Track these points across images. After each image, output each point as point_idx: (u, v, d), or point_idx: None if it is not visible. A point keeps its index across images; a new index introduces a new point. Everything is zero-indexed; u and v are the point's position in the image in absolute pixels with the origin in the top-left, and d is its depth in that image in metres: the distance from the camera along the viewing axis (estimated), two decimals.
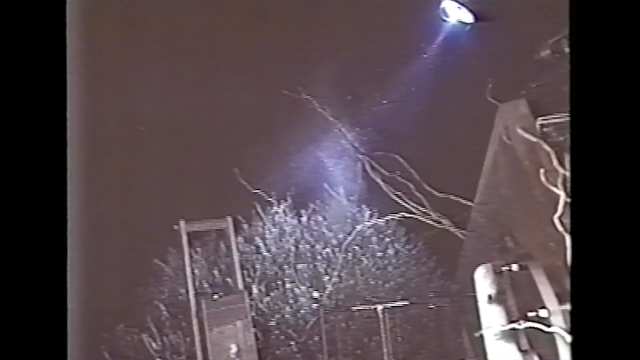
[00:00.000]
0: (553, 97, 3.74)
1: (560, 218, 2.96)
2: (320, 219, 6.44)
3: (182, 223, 5.97)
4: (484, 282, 3.53)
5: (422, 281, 6.13)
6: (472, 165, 4.52)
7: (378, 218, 6.13)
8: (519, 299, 3.35)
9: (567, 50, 3.59)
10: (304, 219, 6.42)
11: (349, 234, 6.19)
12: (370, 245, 6.22)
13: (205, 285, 6.04)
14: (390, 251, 6.20)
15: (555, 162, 3.13)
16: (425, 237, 6.03)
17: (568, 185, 3.05)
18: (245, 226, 6.39)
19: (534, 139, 3.30)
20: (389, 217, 5.80)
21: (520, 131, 3.38)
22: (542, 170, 3.15)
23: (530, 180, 3.25)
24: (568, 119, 3.39)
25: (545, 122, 3.46)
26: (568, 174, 3.05)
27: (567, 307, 2.83)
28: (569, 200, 2.96)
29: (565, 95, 3.57)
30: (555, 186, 3.04)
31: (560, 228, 2.93)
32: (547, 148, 3.23)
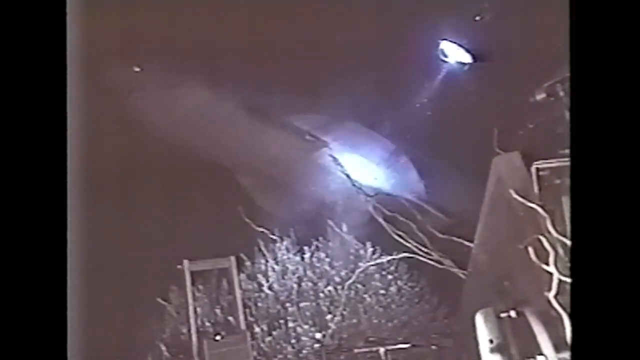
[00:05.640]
0: (549, 138, 3.77)
1: (556, 297, 2.95)
2: (322, 255, 6.44)
3: (185, 262, 5.99)
4: (484, 326, 3.50)
5: (425, 319, 6.08)
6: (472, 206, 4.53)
7: (380, 255, 6.12)
8: (519, 345, 3.32)
9: (561, 94, 3.63)
10: (306, 255, 6.43)
11: (352, 272, 6.18)
12: (373, 283, 6.20)
13: (207, 323, 6.03)
14: (393, 289, 6.18)
15: (550, 228, 3.14)
16: (428, 275, 6.00)
17: (561, 262, 3.04)
18: (248, 263, 6.40)
19: (528, 204, 3.33)
20: (390, 257, 5.80)
21: (515, 195, 3.42)
22: (531, 250, 3.16)
23: (524, 230, 3.26)
24: (564, 163, 3.43)
25: (541, 166, 3.49)
26: (565, 240, 3.06)
27: (565, 355, 2.80)
28: (562, 278, 2.96)
29: (560, 137, 3.60)
30: (547, 264, 3.04)
31: (557, 307, 2.92)
32: (543, 214, 3.25)
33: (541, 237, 3.10)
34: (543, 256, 3.13)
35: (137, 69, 5.83)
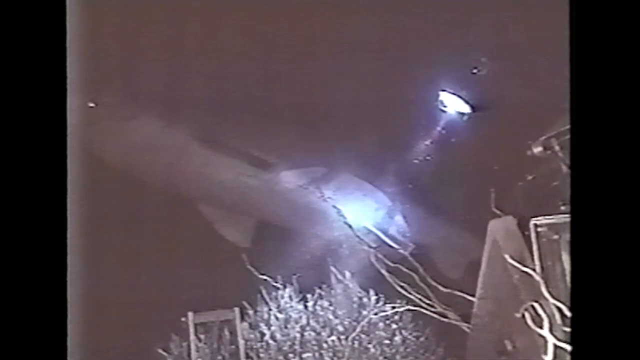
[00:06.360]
0: (546, 191, 3.78)
1: None
2: (326, 304, 6.35)
3: (190, 315, 5.92)
4: None
5: None
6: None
7: (384, 304, 6.03)
8: None
9: (557, 148, 3.66)
10: (309, 304, 6.34)
11: (356, 321, 6.08)
12: (377, 332, 6.09)
13: None
14: (398, 339, 6.06)
15: (546, 293, 3.14)
16: (433, 325, 5.89)
17: (556, 329, 3.03)
18: (251, 312, 6.32)
19: (523, 268, 3.34)
20: (394, 310, 5.72)
21: (510, 260, 3.43)
22: (527, 315, 3.16)
23: (520, 292, 3.25)
24: (561, 219, 3.41)
25: (539, 222, 3.48)
26: (560, 304, 3.06)
27: None
28: (558, 343, 2.94)
29: (557, 189, 3.61)
30: (541, 327, 3.03)
31: None
32: (538, 278, 3.26)
33: (536, 304, 3.09)
34: (539, 320, 3.10)
35: (91, 105, 5.76)
